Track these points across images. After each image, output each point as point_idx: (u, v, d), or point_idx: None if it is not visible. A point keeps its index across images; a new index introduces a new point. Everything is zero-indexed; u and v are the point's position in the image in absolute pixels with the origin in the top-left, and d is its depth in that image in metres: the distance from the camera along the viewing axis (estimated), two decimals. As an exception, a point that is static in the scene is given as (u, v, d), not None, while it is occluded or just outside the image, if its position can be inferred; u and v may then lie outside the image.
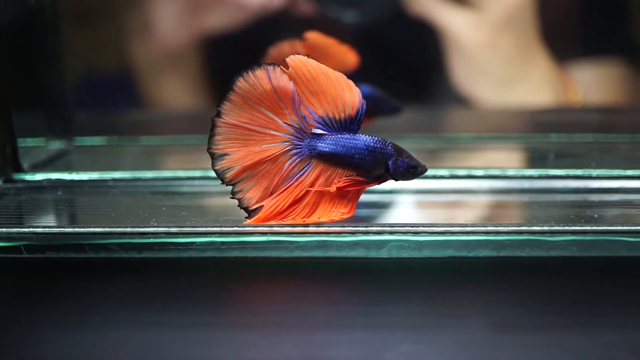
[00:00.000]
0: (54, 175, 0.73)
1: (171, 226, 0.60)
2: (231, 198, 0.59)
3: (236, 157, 0.59)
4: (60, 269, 0.60)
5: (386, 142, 0.60)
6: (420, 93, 0.90)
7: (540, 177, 0.73)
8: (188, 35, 0.89)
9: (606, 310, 0.53)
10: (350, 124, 0.59)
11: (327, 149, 0.59)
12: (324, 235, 0.60)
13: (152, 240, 0.59)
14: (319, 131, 0.59)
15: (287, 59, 0.58)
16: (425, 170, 0.61)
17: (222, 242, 0.60)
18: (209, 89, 0.91)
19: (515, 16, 0.85)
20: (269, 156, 0.59)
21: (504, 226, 0.60)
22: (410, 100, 0.83)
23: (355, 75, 0.59)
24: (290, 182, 0.59)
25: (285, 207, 0.60)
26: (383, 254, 0.60)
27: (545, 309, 0.53)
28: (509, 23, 0.85)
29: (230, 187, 0.59)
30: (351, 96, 0.58)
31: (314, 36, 0.71)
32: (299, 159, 0.60)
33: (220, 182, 0.59)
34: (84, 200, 0.71)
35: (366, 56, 0.72)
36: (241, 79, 0.58)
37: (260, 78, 0.58)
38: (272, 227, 0.60)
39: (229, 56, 0.89)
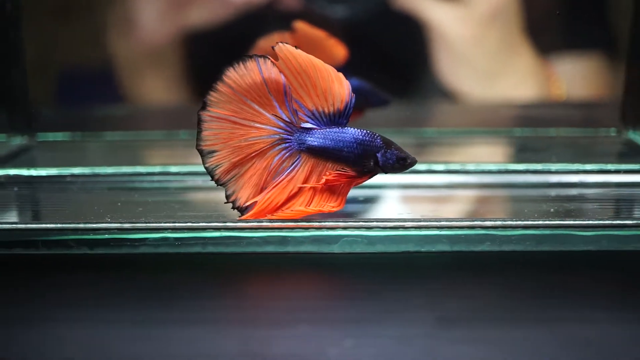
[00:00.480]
0: (13, 172, 0.73)
1: (124, 222, 0.60)
2: (225, 203, 0.59)
3: (224, 153, 0.59)
4: (15, 265, 0.60)
5: (375, 134, 0.60)
6: (406, 87, 0.89)
7: (499, 172, 0.73)
8: (167, 30, 0.88)
9: (553, 305, 0.53)
10: (339, 118, 0.59)
11: (315, 143, 0.59)
12: (278, 230, 0.60)
13: (104, 236, 0.59)
14: (308, 125, 0.59)
15: (276, 48, 0.57)
16: (415, 162, 0.60)
17: (176, 238, 0.60)
18: (187, 85, 0.91)
19: (500, 10, 0.85)
20: (257, 150, 0.59)
21: (457, 221, 0.60)
22: (396, 94, 0.82)
23: (343, 69, 0.59)
24: (281, 178, 0.59)
25: (279, 204, 0.59)
26: (336, 249, 0.60)
27: (496, 303, 0.53)
28: (494, 17, 0.85)
29: (220, 186, 0.59)
30: (340, 89, 0.57)
31: (303, 27, 0.71)
32: (288, 154, 0.59)
33: (211, 179, 0.59)
34: (41, 196, 0.71)
35: (353, 51, 0.72)
36: (231, 69, 0.57)
37: (251, 69, 0.57)
38: (225, 222, 0.60)
39: (212, 52, 0.88)
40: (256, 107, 0.58)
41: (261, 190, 0.59)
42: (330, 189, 0.60)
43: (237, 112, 0.58)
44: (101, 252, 0.59)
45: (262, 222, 0.59)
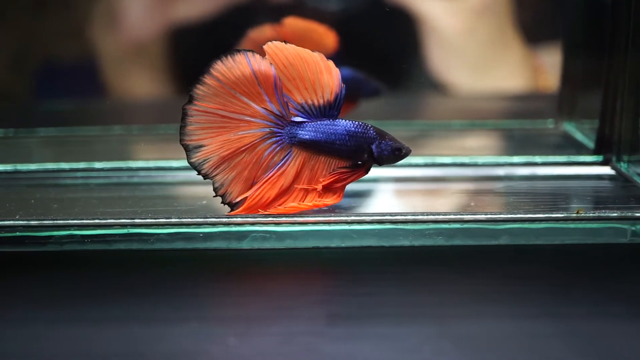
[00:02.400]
0: (-64, 168, 0.73)
1: (31, 219, 0.59)
2: (214, 196, 0.58)
3: (212, 147, 0.57)
4: None
5: (367, 125, 0.58)
6: (397, 80, 0.88)
7: (426, 165, 0.73)
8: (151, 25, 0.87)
9: (451, 301, 0.52)
10: (329, 110, 0.57)
11: (307, 137, 0.58)
12: (186, 227, 0.59)
13: (9, 234, 0.59)
14: (299, 119, 0.58)
15: (265, 47, 0.56)
16: (410, 152, 0.59)
17: (83, 235, 0.59)
18: (124, 80, 0.90)
19: (491, 2, 0.84)
20: (247, 145, 0.58)
21: (367, 216, 0.59)
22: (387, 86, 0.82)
23: (334, 59, 0.57)
24: (272, 172, 0.58)
25: (270, 199, 0.58)
26: (245, 245, 0.59)
27: (394, 300, 0.53)
28: (486, 9, 0.84)
29: (207, 179, 0.58)
30: (330, 80, 0.56)
31: (292, 21, 0.70)
32: (279, 148, 0.58)
33: (197, 173, 0.58)
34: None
35: (343, 44, 0.71)
36: (219, 62, 0.56)
37: (240, 62, 0.56)
38: (133, 219, 0.59)
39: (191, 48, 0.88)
40: (245, 100, 0.57)
41: (252, 185, 0.58)
42: (326, 189, 0.59)
43: (226, 106, 0.57)
44: (6, 250, 0.59)
45: (171, 219, 0.58)
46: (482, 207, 0.64)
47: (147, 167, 0.73)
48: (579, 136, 0.78)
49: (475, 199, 0.68)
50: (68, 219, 0.59)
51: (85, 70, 0.85)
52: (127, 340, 0.47)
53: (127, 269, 0.58)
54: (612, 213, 0.58)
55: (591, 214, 0.59)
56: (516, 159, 0.72)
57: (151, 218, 0.59)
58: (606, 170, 0.70)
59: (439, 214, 0.59)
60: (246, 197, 0.58)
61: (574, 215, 0.59)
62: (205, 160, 0.58)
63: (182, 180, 0.72)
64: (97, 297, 0.53)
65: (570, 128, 0.80)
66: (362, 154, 0.58)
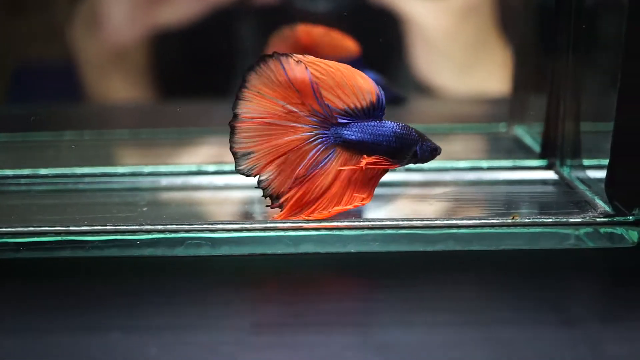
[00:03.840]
0: None
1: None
2: (256, 187, 0.58)
3: (260, 154, 0.58)
4: None
5: (409, 127, 0.59)
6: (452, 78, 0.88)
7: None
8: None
9: (378, 309, 0.52)
10: (374, 110, 0.58)
11: (353, 137, 0.58)
12: (119, 234, 0.59)
13: None
14: (345, 120, 0.58)
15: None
16: (441, 150, 0.61)
17: (17, 243, 0.58)
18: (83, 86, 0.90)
19: (476, 3, 0.84)
20: (293, 148, 0.58)
21: (302, 222, 0.59)
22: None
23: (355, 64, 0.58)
24: (315, 170, 0.58)
25: (311, 198, 0.58)
26: (179, 252, 0.59)
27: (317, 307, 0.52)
28: (470, 10, 0.84)
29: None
30: (366, 83, 0.57)
31: (307, 28, 0.70)
32: (323, 147, 0.58)
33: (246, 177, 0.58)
34: None
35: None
36: (252, 74, 0.56)
37: (274, 70, 0.56)
38: (68, 227, 0.59)
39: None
40: (289, 106, 0.57)
41: (295, 180, 0.58)
42: (362, 180, 0.59)
43: (271, 114, 0.57)
44: None
45: (107, 226, 0.58)
46: (423, 213, 0.64)
47: (92, 173, 0.72)
48: (528, 140, 0.78)
49: (417, 205, 0.68)
50: (1, 227, 0.59)
51: (30, 75, 0.85)
52: (45, 351, 0.47)
53: (60, 277, 0.57)
54: (547, 219, 0.58)
55: (526, 220, 0.59)
56: (462, 163, 0.72)
57: (86, 225, 0.59)
58: (550, 174, 0.70)
59: (375, 220, 0.59)
60: (287, 199, 0.58)
61: (510, 221, 0.59)
62: (254, 166, 0.58)
63: (127, 187, 0.71)
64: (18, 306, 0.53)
65: (520, 132, 0.80)
66: (406, 154, 0.59)
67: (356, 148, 0.58)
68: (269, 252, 0.59)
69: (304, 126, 0.58)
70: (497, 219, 0.59)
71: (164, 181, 0.71)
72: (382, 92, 0.58)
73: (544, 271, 0.58)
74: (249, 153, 0.58)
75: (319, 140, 0.58)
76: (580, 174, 0.66)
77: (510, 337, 0.48)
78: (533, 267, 0.58)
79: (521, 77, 0.80)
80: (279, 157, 0.58)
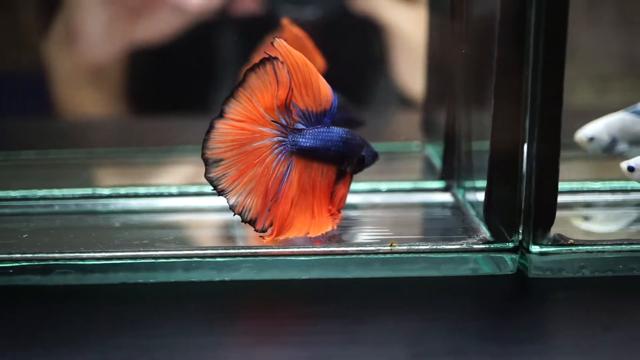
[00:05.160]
0: None
1: None
2: (234, 215, 0.56)
3: (230, 161, 0.55)
4: None
5: (353, 132, 0.58)
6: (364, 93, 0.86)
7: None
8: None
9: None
10: (323, 117, 0.57)
11: (308, 144, 0.56)
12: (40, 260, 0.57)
13: None
14: (300, 126, 0.56)
15: (275, 43, 0.54)
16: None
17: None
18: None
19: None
20: (259, 156, 0.55)
21: (182, 249, 0.57)
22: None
23: None
24: (284, 185, 0.56)
25: (288, 214, 0.56)
26: (48, 281, 0.57)
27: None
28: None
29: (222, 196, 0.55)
30: (325, 89, 0.56)
31: (291, 26, 0.68)
32: (283, 157, 0.56)
33: (213, 189, 0.55)
34: None
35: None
36: (252, 75, 0.54)
37: (269, 73, 0.54)
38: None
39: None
40: (261, 109, 0.55)
41: (270, 199, 0.56)
42: (326, 187, 0.58)
43: (249, 118, 0.55)
44: None
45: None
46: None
47: (46, 196, 0.70)
48: (436, 160, 0.76)
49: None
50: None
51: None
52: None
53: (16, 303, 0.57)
54: (424, 246, 0.57)
55: (404, 247, 0.57)
56: (362, 185, 0.70)
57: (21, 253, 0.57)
58: (446, 197, 0.68)
59: (248, 247, 0.58)
60: (272, 222, 0.56)
61: (387, 248, 0.57)
62: (224, 174, 0.55)
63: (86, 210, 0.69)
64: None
65: (430, 151, 0.79)
66: (352, 159, 0.58)
67: (309, 155, 0.57)
68: (152, 280, 0.57)
69: (269, 131, 0.55)
70: (373, 247, 0.57)
71: (57, 206, 0.70)
72: (336, 102, 0.56)
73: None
74: (220, 160, 0.55)
75: (279, 148, 0.56)
76: (471, 196, 0.65)
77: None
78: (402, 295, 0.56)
79: (431, 94, 0.79)
80: (246, 167, 0.55)
